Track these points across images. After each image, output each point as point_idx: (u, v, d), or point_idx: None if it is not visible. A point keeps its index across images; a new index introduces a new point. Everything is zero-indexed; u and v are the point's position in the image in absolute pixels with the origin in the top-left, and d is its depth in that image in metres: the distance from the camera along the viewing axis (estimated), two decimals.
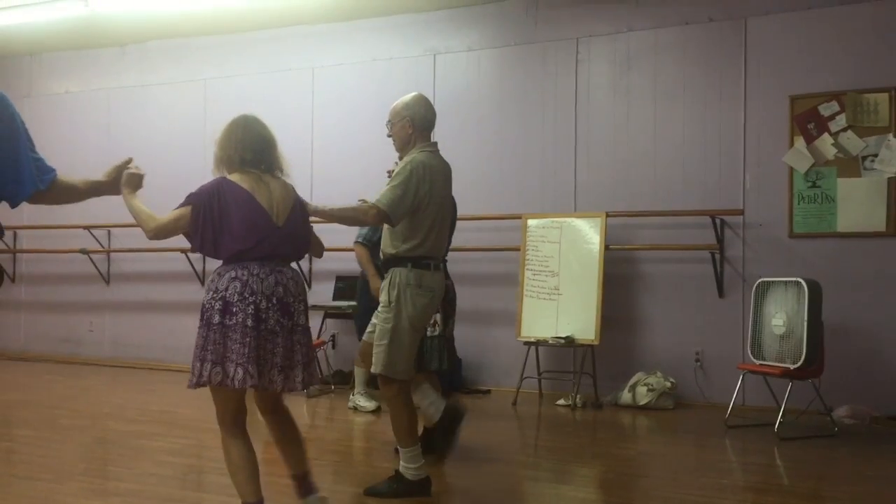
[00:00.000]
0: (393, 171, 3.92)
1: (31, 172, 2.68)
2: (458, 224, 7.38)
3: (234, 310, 2.97)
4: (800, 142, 6.41)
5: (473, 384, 7.26)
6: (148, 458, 4.64)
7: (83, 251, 8.90)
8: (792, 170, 6.42)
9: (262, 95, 8.30)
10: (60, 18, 8.02)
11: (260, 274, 3.03)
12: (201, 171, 8.17)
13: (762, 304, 5.72)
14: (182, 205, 3.08)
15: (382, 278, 3.94)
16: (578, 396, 6.48)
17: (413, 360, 3.89)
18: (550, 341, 6.58)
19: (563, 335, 6.53)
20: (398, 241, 3.82)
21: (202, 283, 8.57)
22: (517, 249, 6.99)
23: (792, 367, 5.37)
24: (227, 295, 2.99)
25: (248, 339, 2.95)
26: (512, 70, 7.46)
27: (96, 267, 9.07)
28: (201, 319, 3.05)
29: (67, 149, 8.67)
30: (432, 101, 4.11)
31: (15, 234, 9.42)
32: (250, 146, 3.14)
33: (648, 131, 6.91)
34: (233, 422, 3.12)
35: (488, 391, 7.16)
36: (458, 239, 7.42)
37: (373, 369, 3.89)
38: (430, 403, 4.37)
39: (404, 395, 3.87)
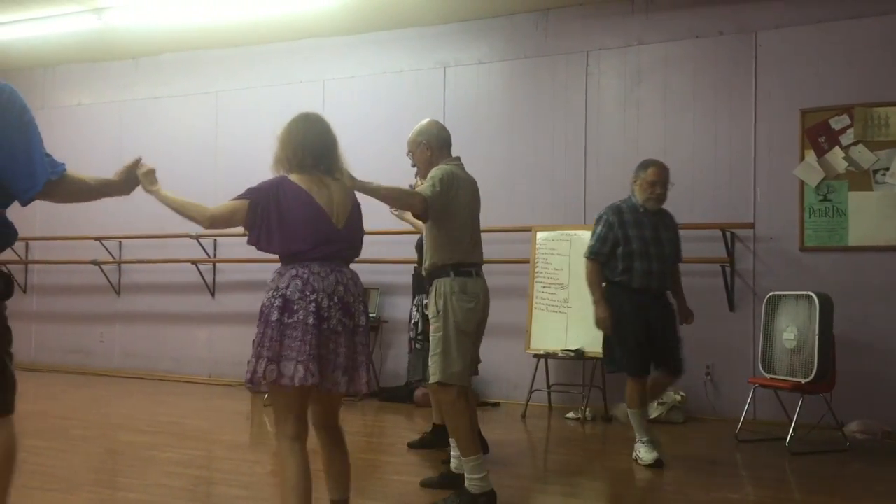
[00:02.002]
0: (415, 184, 3.96)
1: (44, 165, 2.63)
2: None
3: (295, 307, 2.90)
4: (811, 155, 6.39)
5: (482, 397, 7.24)
6: (157, 469, 4.64)
7: (94, 262, 8.94)
8: (803, 183, 6.41)
9: (273, 107, 8.34)
10: (74, 31, 8.09)
11: (321, 272, 2.97)
12: (212, 181, 8.27)
13: (773, 318, 5.69)
14: (240, 197, 3.03)
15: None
16: (588, 409, 6.45)
17: (469, 366, 3.88)
18: (560, 354, 6.56)
19: (573, 348, 6.51)
20: (437, 252, 3.90)
21: (213, 294, 8.59)
22: (526, 262, 6.98)
23: (803, 381, 5.34)
24: (288, 293, 2.92)
25: (308, 337, 2.87)
26: (522, 83, 7.48)
27: (107, 278, 9.11)
28: (260, 318, 2.97)
29: (79, 160, 8.66)
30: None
31: (27, 245, 9.47)
32: (310, 150, 3.10)
33: (658, 144, 6.90)
34: (294, 433, 2.97)
35: (497, 404, 7.15)
36: None
37: (430, 379, 3.89)
38: (479, 478, 3.84)
39: (462, 401, 3.83)
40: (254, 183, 3.11)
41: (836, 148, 6.32)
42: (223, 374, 8.43)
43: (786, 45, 6.54)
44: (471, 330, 3.87)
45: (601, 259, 4.93)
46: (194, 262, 8.48)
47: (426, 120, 4.20)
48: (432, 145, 4.08)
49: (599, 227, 4.99)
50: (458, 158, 4.12)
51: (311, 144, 3.11)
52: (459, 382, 3.82)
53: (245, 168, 8.32)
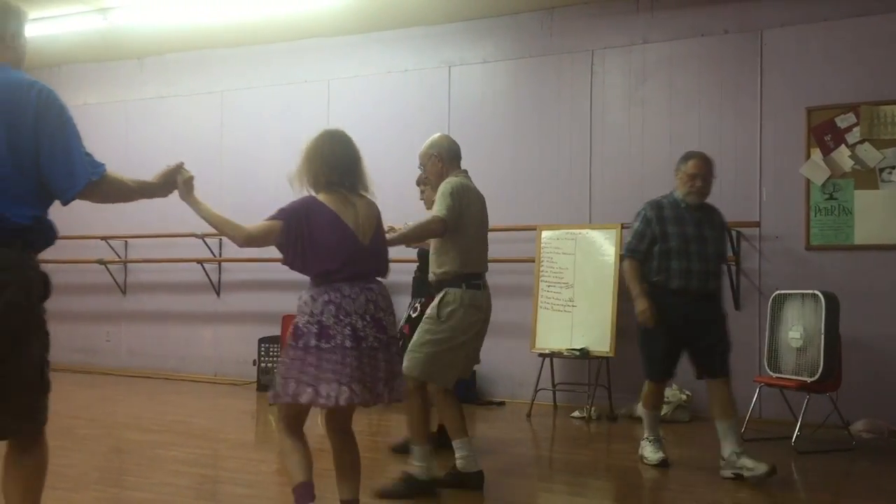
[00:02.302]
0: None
1: (84, 165, 2.66)
2: None
3: (332, 332, 3.05)
4: (816, 154, 6.38)
5: (487, 396, 7.24)
6: (163, 468, 4.65)
7: (100, 262, 8.96)
8: (809, 182, 6.39)
9: (278, 107, 8.35)
10: (79, 31, 8.10)
11: (351, 294, 3.11)
12: (218, 181, 8.29)
13: (779, 317, 5.68)
14: (273, 217, 3.14)
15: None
16: (593, 409, 6.45)
17: (454, 373, 4.14)
18: (565, 353, 6.56)
19: (578, 347, 6.51)
20: (449, 262, 4.09)
21: (218, 293, 8.60)
22: (532, 261, 6.98)
23: (809, 380, 5.33)
24: (324, 319, 3.06)
25: (348, 360, 3.04)
26: (527, 82, 7.47)
27: (113, 277, 9.13)
28: (295, 340, 3.10)
29: None
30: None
31: None
32: (336, 167, 3.22)
33: (663, 143, 6.89)
34: (296, 425, 3.24)
35: (502, 403, 7.15)
36: None
37: (405, 371, 3.93)
38: (463, 456, 4.21)
39: (422, 392, 4.07)
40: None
41: (842, 146, 6.30)
42: (228, 373, 8.45)
43: (791, 44, 6.52)
44: (468, 339, 4.12)
45: (638, 256, 4.75)
46: (200, 262, 8.50)
47: (437, 134, 4.46)
48: (444, 158, 4.28)
49: (637, 224, 4.81)
50: (465, 171, 4.30)
51: (338, 162, 3.23)
52: (443, 385, 4.11)
53: (250, 168, 8.42)
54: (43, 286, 2.69)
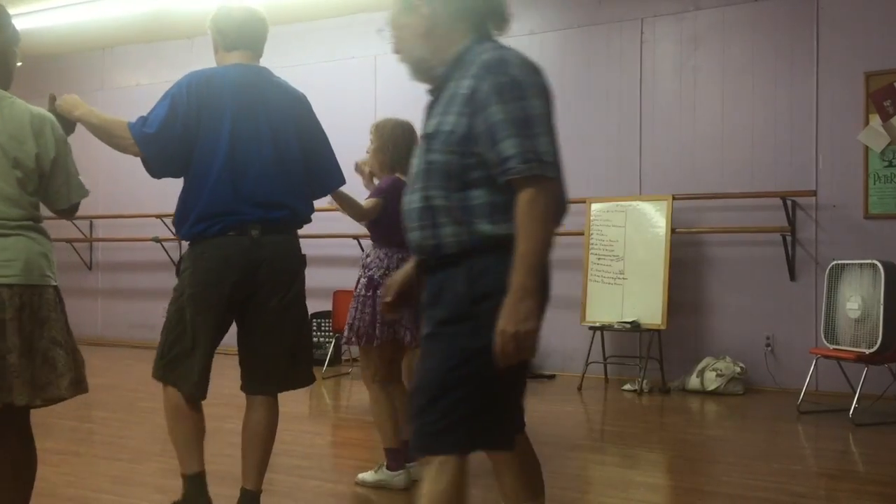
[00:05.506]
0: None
1: (339, 166, 3.23)
2: None
3: None
4: (875, 120, 6.20)
5: (538, 369, 7.25)
6: (221, 440, 4.75)
7: (156, 239, 9.13)
8: (867, 149, 6.22)
9: (324, 84, 8.37)
10: (130, 13, 8.22)
11: (406, 257, 3.79)
12: None
13: (836, 288, 5.56)
14: (374, 196, 3.82)
15: None
16: (645, 381, 6.42)
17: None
18: (616, 326, 6.52)
19: (629, 320, 6.47)
20: None
21: None
22: (581, 234, 6.93)
23: (867, 351, 5.23)
24: None
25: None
26: (575, 53, 7.38)
27: (168, 255, 9.31)
28: (373, 291, 3.71)
29: None
30: None
31: (91, 223, 9.73)
32: (409, 151, 3.80)
33: (716, 112, 6.77)
34: (388, 374, 3.88)
35: (553, 376, 7.15)
36: None
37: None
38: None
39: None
40: None
41: None
42: None
43: (849, 5, 6.32)
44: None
45: None
46: None
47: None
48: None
49: None
50: None
51: (410, 146, 3.82)
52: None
53: None
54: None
